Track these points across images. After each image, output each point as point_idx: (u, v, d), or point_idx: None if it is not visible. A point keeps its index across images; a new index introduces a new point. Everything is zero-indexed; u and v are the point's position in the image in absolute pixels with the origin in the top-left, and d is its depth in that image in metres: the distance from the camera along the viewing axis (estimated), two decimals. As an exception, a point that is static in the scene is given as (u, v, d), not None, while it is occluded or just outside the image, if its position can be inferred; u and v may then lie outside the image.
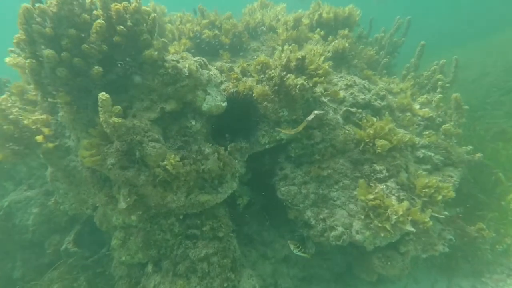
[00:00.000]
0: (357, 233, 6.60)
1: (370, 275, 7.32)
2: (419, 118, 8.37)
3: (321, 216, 7.13)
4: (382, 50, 10.37)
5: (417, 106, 8.46)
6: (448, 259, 8.20)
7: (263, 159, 8.37)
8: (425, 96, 8.35)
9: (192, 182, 5.98)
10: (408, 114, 8.34)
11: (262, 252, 8.57)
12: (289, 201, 7.59)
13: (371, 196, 6.37)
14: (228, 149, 6.53)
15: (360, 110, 7.84)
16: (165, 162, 5.44)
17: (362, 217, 6.59)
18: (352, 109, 7.78)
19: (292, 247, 6.61)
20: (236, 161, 7.14)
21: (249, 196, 8.65)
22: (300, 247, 6.61)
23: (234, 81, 7.38)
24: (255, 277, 7.30)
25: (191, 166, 5.91)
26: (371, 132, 7.01)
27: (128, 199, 5.49)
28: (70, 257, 7.65)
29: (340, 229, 6.68)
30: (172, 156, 5.55)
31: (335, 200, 7.22)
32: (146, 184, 5.60)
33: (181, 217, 6.34)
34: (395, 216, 6.12)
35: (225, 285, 6.44)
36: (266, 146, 7.58)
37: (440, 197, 6.55)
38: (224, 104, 6.71)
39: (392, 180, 6.77)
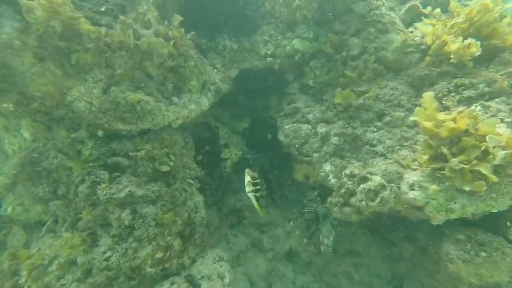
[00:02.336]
0: (412, 188, 3.38)
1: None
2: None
3: (347, 172, 4.02)
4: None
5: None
6: None
7: (268, 97, 5.60)
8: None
9: (119, 69, 3.46)
10: None
11: (254, 240, 5.54)
12: (296, 147, 4.62)
13: (444, 117, 3.19)
14: (189, 38, 3.92)
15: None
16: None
17: (423, 159, 3.38)
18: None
19: (247, 179, 3.64)
20: (215, 70, 4.49)
21: (242, 151, 5.83)
22: (260, 187, 3.65)
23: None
24: (228, 266, 4.32)
25: (115, 35, 3.42)
26: (464, 19, 3.80)
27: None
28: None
29: (377, 179, 3.52)
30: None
31: (375, 145, 4.09)
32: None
33: (100, 133, 3.76)
34: (503, 154, 2.85)
35: (161, 257, 3.60)
36: (269, 60, 4.83)
37: None
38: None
39: (498, 99, 3.47)
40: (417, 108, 3.46)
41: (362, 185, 3.56)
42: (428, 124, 3.28)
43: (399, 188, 3.46)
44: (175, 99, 3.83)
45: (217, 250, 4.38)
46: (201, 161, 5.39)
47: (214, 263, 4.15)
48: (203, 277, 3.84)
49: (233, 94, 5.55)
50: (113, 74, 3.41)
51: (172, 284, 3.66)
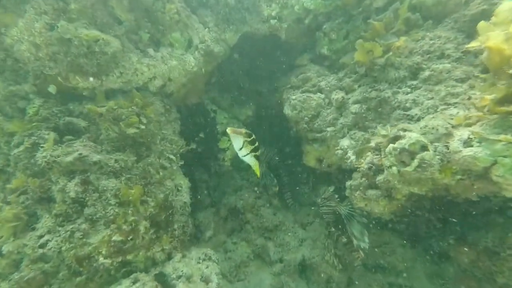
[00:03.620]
0: (468, 144, 2.26)
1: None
2: None
3: (372, 144, 2.98)
4: None
5: None
6: None
7: (277, 78, 4.76)
8: None
9: (74, 3, 2.80)
10: None
11: (258, 248, 4.45)
12: (306, 120, 3.65)
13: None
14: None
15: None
16: None
17: (486, 102, 2.29)
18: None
19: (240, 140, 2.61)
20: (206, 29, 3.76)
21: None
22: (255, 148, 2.65)
23: None
24: (216, 268, 3.26)
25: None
26: None
27: None
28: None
29: (414, 136, 2.44)
30: None
31: (409, 108, 3.05)
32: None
33: (52, 90, 3.04)
34: None
35: (121, 244, 2.66)
36: (273, 23, 4.05)
37: None
38: None
39: None
40: (481, 24, 2.45)
41: (391, 145, 2.48)
42: (497, 45, 2.23)
43: (447, 147, 2.35)
44: (150, 51, 3.08)
45: (204, 249, 3.35)
46: (195, 150, 4.54)
47: (199, 262, 3.12)
48: (180, 276, 2.81)
49: (234, 74, 4.78)
50: (65, 9, 2.75)
51: (134, 282, 2.67)
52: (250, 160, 2.82)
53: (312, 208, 4.60)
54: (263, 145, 5.17)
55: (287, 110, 3.80)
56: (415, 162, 2.28)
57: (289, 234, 4.44)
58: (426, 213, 3.14)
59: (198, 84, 3.84)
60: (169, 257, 2.99)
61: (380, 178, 2.77)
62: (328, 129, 3.46)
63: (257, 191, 4.84)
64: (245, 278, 4.24)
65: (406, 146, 2.36)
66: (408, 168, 2.33)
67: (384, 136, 2.70)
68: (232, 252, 4.44)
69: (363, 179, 2.95)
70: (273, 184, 4.68)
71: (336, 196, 3.80)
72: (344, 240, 3.79)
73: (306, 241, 4.38)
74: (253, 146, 2.76)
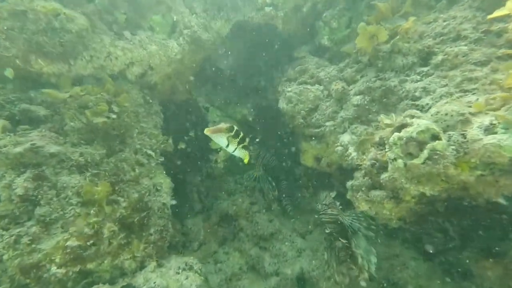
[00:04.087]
0: (490, 130, 1.83)
1: None
2: None
3: (376, 139, 2.56)
4: None
5: None
6: None
7: (275, 72, 4.40)
8: None
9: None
10: None
11: (252, 259, 4.02)
12: (303, 114, 3.26)
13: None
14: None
15: None
16: None
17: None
18: None
19: (223, 138, 2.26)
20: (194, 15, 3.45)
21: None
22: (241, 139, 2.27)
23: None
24: (199, 280, 2.84)
25: None
26: None
27: None
28: None
29: (423, 123, 2.01)
30: None
31: (419, 97, 2.63)
32: None
33: (9, 74, 2.72)
34: None
35: (80, 249, 2.29)
36: (267, 11, 3.72)
37: None
38: None
39: None
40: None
41: (396, 134, 2.06)
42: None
43: (464, 136, 1.92)
44: (127, 34, 2.76)
45: (186, 257, 2.95)
46: (184, 150, 4.19)
47: (178, 272, 2.71)
48: None
49: (227, 68, 4.45)
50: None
51: (94, 297, 2.28)
52: (241, 153, 2.55)
53: (314, 215, 4.15)
54: (260, 146, 4.78)
55: (282, 104, 3.43)
56: (425, 153, 1.86)
57: (287, 243, 4.00)
58: (441, 220, 2.67)
59: (186, 76, 3.50)
60: (142, 266, 2.59)
61: (385, 176, 2.34)
62: (327, 123, 3.06)
63: (252, 196, 4.43)
64: (235, 292, 3.79)
65: (414, 135, 1.94)
66: (416, 161, 1.90)
67: (388, 125, 2.29)
68: (223, 263, 4.01)
69: (366, 178, 2.52)
70: (271, 188, 4.26)
71: (338, 203, 3.34)
72: (347, 256, 3.30)
73: (305, 251, 3.92)
74: (238, 138, 2.45)
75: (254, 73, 4.48)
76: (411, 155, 1.97)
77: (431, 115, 2.10)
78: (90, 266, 2.34)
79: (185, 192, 4.48)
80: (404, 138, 1.97)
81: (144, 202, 2.72)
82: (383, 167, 2.41)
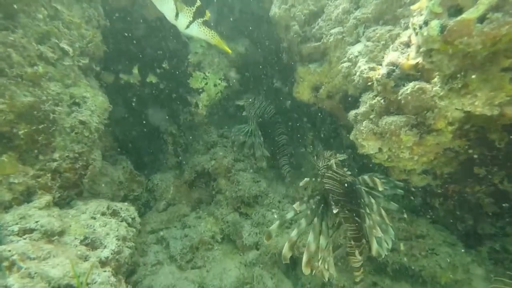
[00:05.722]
0: None
1: None
2: None
3: (402, 40, 1.54)
4: None
5: None
6: None
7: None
8: None
9: None
10: None
11: (228, 227, 3.18)
12: (300, 20, 2.25)
13: None
14: None
15: None
16: None
17: None
18: None
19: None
20: None
21: (228, 82, 3.61)
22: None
23: None
24: (120, 230, 1.98)
25: None
26: None
27: None
28: None
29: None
30: None
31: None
32: None
33: None
34: None
35: None
36: None
37: None
38: None
39: None
40: None
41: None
42: None
43: None
44: None
45: (116, 203, 2.11)
46: (155, 86, 3.33)
47: (93, 217, 1.89)
48: (26, 230, 1.58)
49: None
50: None
51: None
52: (199, 32, 1.88)
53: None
54: (255, 93, 3.84)
55: (274, 9, 2.43)
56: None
57: (273, 210, 3.08)
58: (498, 173, 1.63)
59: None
60: (28, 200, 1.76)
61: (406, 89, 1.34)
62: (333, 31, 2.05)
63: (239, 152, 3.54)
64: (203, 266, 2.96)
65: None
66: (469, 15, 0.89)
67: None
68: (191, 228, 3.17)
69: (377, 98, 1.52)
70: (260, 142, 3.37)
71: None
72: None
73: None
74: (194, 7, 1.66)
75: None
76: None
77: None
78: None
79: (157, 141, 3.65)
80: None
81: (44, 112, 1.85)
82: (406, 77, 1.40)
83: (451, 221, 2.25)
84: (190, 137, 3.67)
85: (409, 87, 1.39)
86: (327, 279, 1.79)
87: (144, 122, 3.42)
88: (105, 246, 1.72)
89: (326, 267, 1.70)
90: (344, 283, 2.58)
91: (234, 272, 2.85)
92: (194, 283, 2.75)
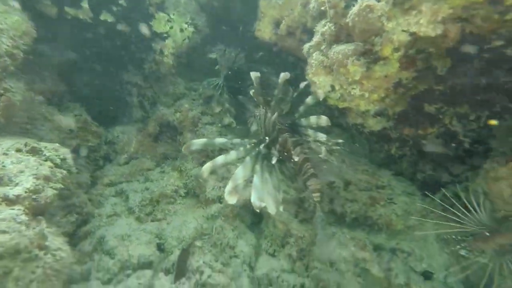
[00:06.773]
0: None
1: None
2: None
3: None
4: None
5: None
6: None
7: None
8: None
9: None
10: None
11: (191, 179, 3.08)
12: None
13: None
14: None
15: None
16: None
17: None
18: None
19: None
20: None
21: (197, 27, 3.38)
22: None
23: None
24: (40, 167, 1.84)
25: None
26: None
27: None
28: None
29: None
30: None
31: None
32: None
33: None
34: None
35: None
36: None
37: None
38: None
39: None
40: None
41: None
42: None
43: None
44: None
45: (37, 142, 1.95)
46: (112, 26, 3.05)
47: (6, 154, 1.73)
48: None
49: None
50: None
51: None
52: None
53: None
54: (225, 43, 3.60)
55: None
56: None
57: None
58: (447, 111, 1.53)
59: None
60: None
61: (354, 9, 1.18)
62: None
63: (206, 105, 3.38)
64: (163, 218, 2.87)
65: None
66: None
67: None
68: (153, 182, 3.06)
69: (329, 24, 1.36)
70: (222, 94, 3.21)
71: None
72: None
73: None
74: None
75: None
76: None
77: None
78: None
79: (119, 93, 3.44)
80: None
81: None
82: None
83: (412, 171, 2.19)
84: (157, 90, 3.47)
85: (357, 5, 1.24)
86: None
87: (101, 69, 3.17)
88: (17, 184, 1.58)
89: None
90: (305, 233, 2.56)
91: (194, 224, 2.79)
92: (152, 234, 2.67)
